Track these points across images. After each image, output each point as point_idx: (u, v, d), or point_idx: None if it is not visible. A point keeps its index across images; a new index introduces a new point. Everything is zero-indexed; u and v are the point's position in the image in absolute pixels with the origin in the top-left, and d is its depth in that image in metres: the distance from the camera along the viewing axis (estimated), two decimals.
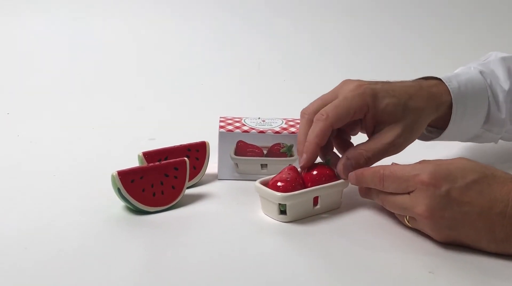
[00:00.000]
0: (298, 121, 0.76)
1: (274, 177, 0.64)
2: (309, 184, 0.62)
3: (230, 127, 0.73)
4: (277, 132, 0.73)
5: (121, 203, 0.65)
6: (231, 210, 0.65)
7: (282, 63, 1.14)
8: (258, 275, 0.53)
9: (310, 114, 0.63)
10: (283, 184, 0.62)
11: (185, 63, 1.13)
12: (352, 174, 0.61)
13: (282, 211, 0.63)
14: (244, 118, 0.76)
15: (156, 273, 0.53)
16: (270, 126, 0.74)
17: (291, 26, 1.20)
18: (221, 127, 0.73)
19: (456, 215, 0.53)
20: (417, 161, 0.58)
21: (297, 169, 0.66)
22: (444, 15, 1.21)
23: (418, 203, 0.54)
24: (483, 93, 0.67)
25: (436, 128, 0.69)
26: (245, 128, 0.73)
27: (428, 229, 0.55)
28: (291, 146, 0.73)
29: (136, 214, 0.64)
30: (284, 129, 0.74)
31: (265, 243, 0.58)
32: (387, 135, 0.62)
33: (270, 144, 0.73)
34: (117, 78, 1.09)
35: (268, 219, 0.64)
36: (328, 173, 0.63)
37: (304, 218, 0.64)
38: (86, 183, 0.71)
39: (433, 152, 0.71)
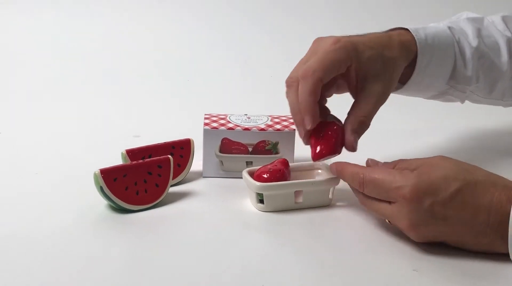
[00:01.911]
0: (284, 118, 0.78)
1: (262, 167, 0.67)
2: (324, 151, 0.61)
3: (215, 124, 0.74)
4: (262, 129, 0.73)
5: (103, 202, 0.65)
6: (216, 208, 0.66)
7: (269, 59, 1.14)
8: (244, 275, 0.53)
9: (296, 82, 0.61)
10: (265, 174, 0.65)
11: (171, 60, 1.13)
12: (333, 166, 0.62)
13: (261, 201, 0.65)
14: (229, 115, 0.77)
15: (139, 273, 0.53)
16: (255, 123, 0.74)
17: (279, 20, 1.20)
18: (205, 124, 0.73)
19: (440, 228, 0.54)
20: (396, 159, 0.59)
21: (287, 163, 0.67)
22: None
23: (401, 217, 0.55)
24: (449, 47, 0.68)
25: (400, 82, 0.68)
26: (230, 125, 0.74)
27: (411, 237, 0.57)
28: (276, 143, 0.74)
29: (119, 213, 0.64)
30: (269, 126, 0.74)
31: (251, 242, 0.59)
32: (373, 92, 0.61)
33: (255, 142, 0.73)
34: (101, 73, 1.08)
35: (254, 217, 0.64)
36: (337, 128, 0.62)
37: (285, 210, 0.65)
38: (68, 181, 0.71)
39: (417, 143, 0.72)
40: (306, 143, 0.64)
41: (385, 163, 0.59)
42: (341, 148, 0.62)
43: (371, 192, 0.57)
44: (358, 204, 0.66)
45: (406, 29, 0.68)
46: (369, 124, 0.62)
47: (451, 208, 0.53)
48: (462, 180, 0.53)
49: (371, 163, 0.60)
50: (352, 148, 0.61)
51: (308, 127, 0.61)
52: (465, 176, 0.54)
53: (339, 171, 0.61)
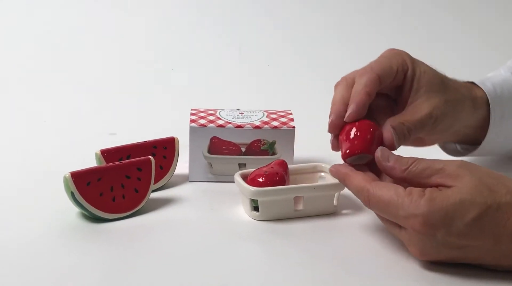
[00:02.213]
0: (282, 113, 0.77)
1: (257, 169, 0.67)
2: (357, 148, 0.60)
3: (202, 121, 0.73)
4: (257, 127, 0.73)
5: (75, 209, 0.65)
6: (204, 217, 0.66)
7: (266, 46, 1.14)
8: None
9: (351, 79, 0.64)
10: (261, 178, 0.65)
11: (153, 46, 1.12)
12: (333, 171, 0.61)
13: (255, 208, 0.65)
14: (219, 111, 0.76)
15: None
16: (249, 120, 0.74)
17: (277, 3, 1.19)
18: (192, 121, 0.73)
19: (455, 255, 0.55)
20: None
21: (286, 165, 0.68)
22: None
23: (411, 243, 0.55)
24: None
25: (470, 144, 0.72)
26: (220, 122, 0.73)
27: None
28: (273, 143, 0.74)
29: (93, 222, 0.64)
30: (265, 123, 0.74)
31: (244, 255, 0.59)
32: (424, 106, 0.64)
33: (249, 141, 0.73)
34: (71, 62, 1.07)
35: (247, 227, 0.64)
36: (375, 126, 0.62)
37: (283, 218, 0.65)
38: (35, 186, 0.71)
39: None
40: (334, 133, 0.64)
41: (398, 159, 0.58)
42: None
43: (377, 210, 0.57)
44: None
45: (471, 82, 0.72)
46: (409, 134, 0.63)
47: (467, 239, 0.53)
48: (482, 205, 0.53)
49: (381, 156, 0.58)
50: (392, 145, 0.61)
51: (348, 117, 0.62)
52: (486, 199, 0.53)
53: (341, 179, 0.61)
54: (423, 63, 0.66)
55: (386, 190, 0.55)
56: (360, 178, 0.58)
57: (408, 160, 0.57)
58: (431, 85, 0.65)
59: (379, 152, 0.59)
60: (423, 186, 0.55)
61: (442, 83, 0.66)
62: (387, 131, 0.62)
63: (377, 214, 0.59)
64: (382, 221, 0.59)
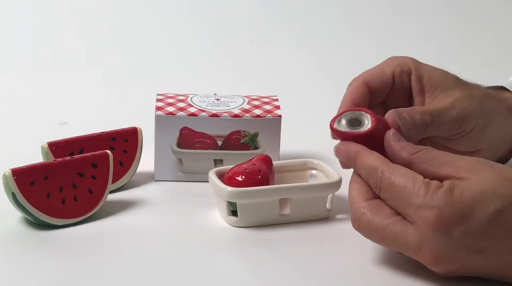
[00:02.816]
0: (266, 99, 0.77)
1: (235, 166, 0.67)
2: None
3: (171, 109, 0.73)
4: (236, 116, 0.73)
5: (17, 214, 0.65)
6: (173, 223, 0.66)
7: (248, 19, 1.14)
8: None
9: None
10: (240, 176, 0.65)
11: (112, 18, 1.12)
12: (341, 148, 0.61)
13: (233, 212, 0.65)
14: (190, 96, 0.76)
15: None
16: (227, 107, 0.74)
17: None
18: (158, 108, 0.73)
19: (473, 262, 0.55)
20: None
21: (270, 161, 0.68)
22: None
23: (421, 247, 0.55)
24: None
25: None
26: (192, 109, 0.73)
27: (434, 271, 0.56)
28: (255, 135, 0.74)
29: (38, 229, 0.64)
30: (246, 111, 0.74)
31: (219, 269, 0.59)
32: (444, 100, 0.66)
33: (226, 133, 0.73)
34: (13, 40, 1.07)
35: (224, 235, 0.65)
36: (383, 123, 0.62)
37: (266, 225, 0.66)
38: None
39: None
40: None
41: (409, 143, 0.59)
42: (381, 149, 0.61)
43: (387, 197, 0.57)
44: None
45: (498, 87, 0.73)
46: (422, 124, 0.64)
47: (489, 237, 0.54)
48: (505, 197, 0.53)
49: (392, 135, 0.60)
50: (393, 122, 0.62)
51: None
52: (509, 190, 0.54)
53: (351, 157, 0.60)
54: (429, 65, 0.69)
55: (403, 175, 0.56)
56: (376, 157, 0.59)
57: (420, 146, 0.59)
58: (447, 82, 0.67)
59: (391, 132, 0.60)
60: (431, 175, 0.56)
61: (458, 80, 0.68)
62: (389, 112, 0.63)
63: (373, 240, 0.58)
64: (371, 235, 0.57)
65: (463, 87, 0.67)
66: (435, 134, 0.65)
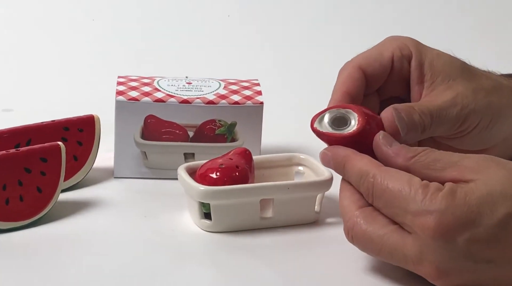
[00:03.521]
0: (245, 83, 0.77)
1: (209, 161, 0.67)
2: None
3: (134, 93, 0.73)
4: (210, 102, 0.73)
5: None
6: (136, 227, 0.66)
7: None
8: None
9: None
10: (214, 173, 0.65)
11: None
12: (327, 154, 0.61)
13: (207, 215, 0.66)
14: (157, 79, 0.76)
15: None
16: (200, 92, 0.74)
17: None
18: (119, 92, 0.73)
19: (480, 274, 0.55)
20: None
21: (250, 155, 0.68)
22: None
23: (423, 258, 0.55)
24: None
25: None
26: (159, 95, 0.73)
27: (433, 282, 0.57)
28: (233, 125, 0.74)
29: None
30: (222, 96, 0.74)
31: (190, 281, 0.59)
32: (445, 93, 0.66)
33: (199, 122, 0.74)
34: None
35: (196, 242, 0.65)
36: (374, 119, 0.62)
37: (245, 230, 0.66)
38: None
39: None
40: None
41: (403, 146, 0.59)
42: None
43: (381, 207, 0.58)
44: None
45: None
46: (422, 123, 0.64)
47: (498, 245, 0.54)
48: None
49: (382, 139, 0.60)
50: (394, 130, 0.62)
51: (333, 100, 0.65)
52: None
53: (340, 164, 0.61)
54: (433, 48, 0.69)
55: (398, 179, 0.56)
56: (367, 161, 0.59)
57: (417, 148, 0.59)
58: (451, 71, 0.67)
59: (380, 135, 0.60)
60: (434, 181, 0.56)
61: (465, 68, 0.68)
62: (387, 111, 0.63)
63: (366, 251, 0.59)
64: (365, 247, 0.58)
65: (469, 77, 0.67)
66: (433, 135, 0.65)
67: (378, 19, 1.11)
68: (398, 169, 0.58)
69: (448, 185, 0.55)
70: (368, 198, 0.58)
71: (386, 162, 0.59)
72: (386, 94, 0.69)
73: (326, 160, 0.61)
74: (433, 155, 0.58)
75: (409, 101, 0.68)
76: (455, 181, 0.56)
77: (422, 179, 0.56)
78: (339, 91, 0.66)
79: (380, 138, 0.60)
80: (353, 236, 0.58)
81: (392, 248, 0.56)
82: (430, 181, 0.56)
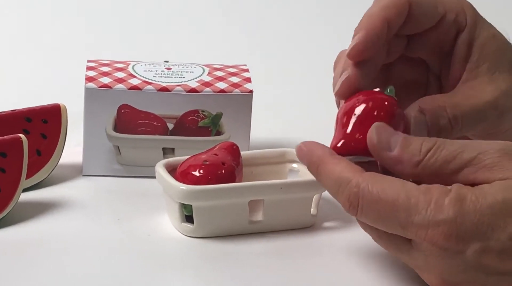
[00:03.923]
0: (233, 69, 0.77)
1: (191, 157, 0.68)
2: (356, 142, 0.59)
3: (106, 80, 0.73)
4: (193, 90, 0.73)
5: None
6: (107, 233, 0.67)
7: None
8: None
9: None
10: (197, 171, 0.65)
11: None
12: (301, 148, 0.60)
13: (188, 218, 0.66)
14: (133, 64, 0.76)
15: None
16: (182, 79, 0.74)
17: None
18: (89, 78, 0.73)
19: None
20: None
21: (237, 151, 0.68)
22: None
23: (427, 267, 0.56)
24: None
25: None
26: (134, 81, 0.73)
27: None
28: (218, 117, 0.74)
29: None
30: (207, 84, 0.74)
31: None
32: (487, 89, 0.65)
33: (180, 112, 0.74)
34: None
35: (176, 248, 0.65)
36: (393, 106, 0.61)
37: (232, 235, 0.66)
38: None
39: None
40: (343, 97, 0.63)
41: (405, 144, 0.58)
42: None
43: (371, 221, 0.57)
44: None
45: None
46: (452, 127, 0.62)
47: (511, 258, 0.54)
48: None
49: (377, 141, 0.58)
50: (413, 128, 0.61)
51: (351, 51, 0.62)
52: None
53: (314, 164, 0.59)
54: (491, 25, 0.67)
55: (389, 186, 0.55)
56: (345, 165, 0.57)
57: (422, 145, 0.57)
58: (501, 60, 0.66)
59: (374, 133, 0.58)
60: (449, 184, 0.55)
61: None
62: (409, 113, 0.61)
63: (364, 228, 0.59)
64: (375, 237, 0.59)
65: None
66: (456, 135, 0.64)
67: None
68: (406, 176, 0.57)
69: (455, 187, 0.54)
70: (351, 211, 0.57)
71: (390, 168, 0.58)
72: (413, 51, 0.67)
73: (301, 156, 0.60)
74: (443, 154, 0.57)
75: (439, 73, 0.67)
76: (473, 185, 0.55)
77: (434, 183, 0.55)
78: (378, 16, 0.63)
79: (374, 139, 0.58)
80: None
81: (397, 247, 0.57)
82: (445, 184, 0.55)
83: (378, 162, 0.59)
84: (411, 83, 0.68)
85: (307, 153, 0.59)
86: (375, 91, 0.61)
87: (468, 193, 0.54)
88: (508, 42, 0.67)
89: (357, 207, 0.56)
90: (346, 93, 0.62)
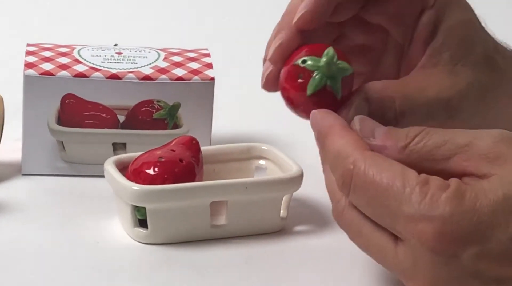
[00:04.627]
0: (192, 54, 0.78)
1: (145, 153, 0.68)
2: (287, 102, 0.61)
3: (48, 66, 0.73)
4: (146, 77, 0.73)
5: None
6: (51, 239, 0.66)
7: None
8: None
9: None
10: (151, 169, 0.65)
11: None
12: (315, 115, 0.60)
13: (142, 222, 0.66)
14: (78, 48, 0.76)
15: None
16: (134, 65, 0.74)
17: None
18: (28, 65, 0.73)
19: None
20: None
21: (197, 146, 0.68)
22: None
23: (417, 271, 0.56)
24: None
25: None
26: (80, 67, 0.73)
27: None
28: (176, 107, 0.74)
29: None
30: (162, 70, 0.74)
31: None
32: (443, 82, 0.65)
33: (132, 103, 0.74)
34: None
35: (125, 257, 0.65)
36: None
37: (191, 241, 0.66)
38: None
39: None
40: (276, 64, 0.64)
41: (390, 132, 0.59)
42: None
43: (362, 205, 0.57)
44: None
45: None
46: (400, 119, 0.63)
47: (511, 263, 0.54)
48: None
49: (360, 130, 0.59)
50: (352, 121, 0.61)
51: (298, 21, 0.63)
52: None
53: (321, 134, 0.60)
54: (469, 8, 0.67)
55: (387, 169, 0.56)
56: (348, 139, 0.58)
57: (408, 130, 0.58)
58: (468, 51, 0.66)
59: (356, 124, 0.59)
60: (438, 174, 0.56)
61: (487, 56, 0.67)
62: (352, 103, 0.62)
63: (342, 224, 0.59)
64: (353, 236, 0.59)
65: (485, 67, 0.66)
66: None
67: None
68: None
69: (454, 183, 0.55)
70: (343, 189, 0.57)
71: None
72: (370, 16, 0.67)
73: (313, 123, 0.60)
74: (432, 139, 0.57)
75: (398, 40, 0.67)
76: (464, 174, 0.56)
77: (421, 172, 0.56)
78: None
79: (357, 125, 0.59)
80: (341, 222, 0.58)
81: (380, 247, 0.57)
82: (433, 173, 0.56)
83: None
84: (364, 48, 0.68)
85: (320, 121, 0.60)
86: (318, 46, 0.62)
87: (467, 190, 0.54)
88: (482, 32, 0.67)
89: (349, 186, 0.57)
90: (281, 61, 0.63)
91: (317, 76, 0.60)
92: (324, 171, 0.60)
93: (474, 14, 0.67)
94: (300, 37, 0.63)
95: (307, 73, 0.60)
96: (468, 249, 0.54)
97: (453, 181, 0.55)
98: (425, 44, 0.66)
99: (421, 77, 0.65)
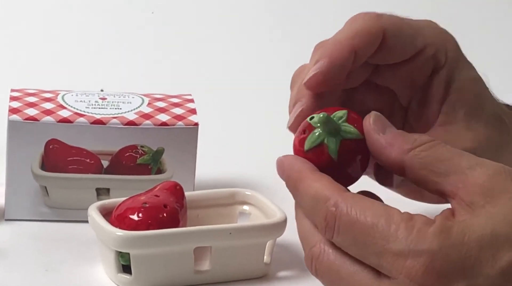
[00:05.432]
0: (176, 99, 0.78)
1: (129, 198, 0.68)
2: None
3: (32, 111, 0.73)
4: (130, 123, 0.74)
5: None
6: (33, 284, 0.66)
7: None
8: None
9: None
10: (135, 214, 0.65)
11: None
12: (282, 162, 0.61)
13: (126, 268, 0.65)
14: (63, 93, 0.76)
15: None
16: (118, 110, 0.74)
17: None
18: (13, 110, 0.73)
19: None
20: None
21: (181, 191, 0.68)
22: None
23: None
24: None
25: None
26: (64, 113, 0.73)
27: None
28: (159, 153, 0.74)
29: None
30: (146, 116, 0.74)
31: None
32: (467, 135, 0.67)
33: (116, 148, 0.74)
34: None
35: None
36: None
37: None
38: None
39: None
40: (295, 129, 0.63)
41: (400, 133, 0.59)
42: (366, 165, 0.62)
43: (346, 245, 0.57)
44: None
45: None
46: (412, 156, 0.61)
47: None
48: None
49: (373, 123, 0.60)
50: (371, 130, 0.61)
51: (310, 79, 0.63)
52: None
53: (292, 179, 0.60)
54: (471, 66, 0.68)
55: (369, 208, 0.56)
56: (325, 183, 0.58)
57: (420, 137, 0.58)
58: (479, 109, 0.67)
59: (371, 118, 0.60)
60: (431, 187, 0.56)
61: (491, 105, 0.68)
62: (368, 117, 0.61)
63: (317, 270, 0.58)
64: (333, 279, 0.58)
65: (494, 123, 0.68)
66: None
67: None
68: (391, 163, 0.58)
69: (439, 219, 0.55)
70: (326, 232, 0.57)
71: (377, 153, 0.59)
72: (381, 80, 0.68)
73: (280, 169, 0.61)
74: (437, 152, 0.58)
75: (403, 104, 0.68)
76: (455, 196, 0.56)
77: (416, 181, 0.56)
78: (346, 45, 0.64)
79: (370, 122, 0.60)
80: (317, 267, 0.57)
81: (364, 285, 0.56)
82: (427, 185, 0.56)
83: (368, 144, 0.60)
84: (374, 110, 0.68)
85: (287, 167, 0.60)
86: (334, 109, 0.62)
87: (454, 225, 0.54)
88: (487, 90, 0.68)
89: (333, 228, 0.56)
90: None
91: (316, 133, 0.60)
92: (296, 217, 0.60)
93: (477, 72, 0.68)
94: (318, 102, 0.64)
95: (310, 128, 0.60)
96: (457, 283, 0.54)
97: (438, 218, 0.55)
98: (439, 102, 0.67)
99: (442, 132, 0.66)
